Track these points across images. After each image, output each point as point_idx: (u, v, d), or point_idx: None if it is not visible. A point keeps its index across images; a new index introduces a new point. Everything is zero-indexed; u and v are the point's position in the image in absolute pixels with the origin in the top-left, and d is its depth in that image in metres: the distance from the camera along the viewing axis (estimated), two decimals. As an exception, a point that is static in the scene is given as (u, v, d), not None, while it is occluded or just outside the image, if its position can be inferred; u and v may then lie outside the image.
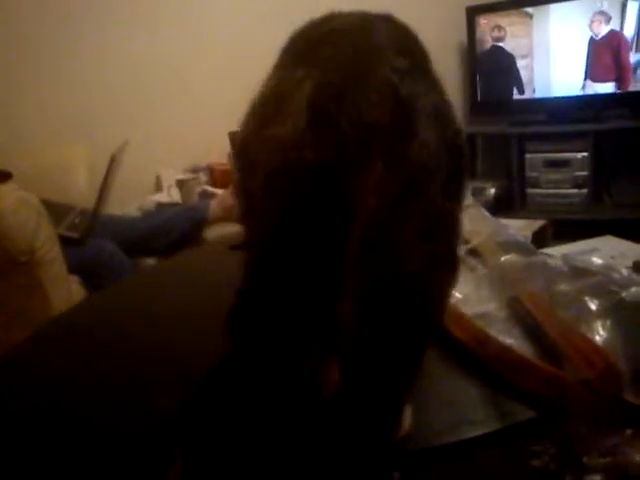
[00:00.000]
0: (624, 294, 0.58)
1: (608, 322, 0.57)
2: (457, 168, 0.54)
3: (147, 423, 0.62)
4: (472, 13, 3.17)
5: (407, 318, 0.49)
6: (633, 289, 0.58)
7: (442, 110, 0.53)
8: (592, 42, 3.02)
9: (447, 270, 0.54)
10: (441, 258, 0.52)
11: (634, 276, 0.60)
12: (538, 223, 2.67)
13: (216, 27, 2.81)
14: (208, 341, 0.78)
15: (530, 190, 3.16)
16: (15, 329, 1.44)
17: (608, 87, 3.06)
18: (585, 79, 3.08)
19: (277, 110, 0.50)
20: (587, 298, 0.59)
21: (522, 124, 3.18)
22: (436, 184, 0.49)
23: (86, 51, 2.63)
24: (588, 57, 3.05)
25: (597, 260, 0.66)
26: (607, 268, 0.63)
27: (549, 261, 0.69)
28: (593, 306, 0.58)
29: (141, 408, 0.65)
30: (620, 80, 3.02)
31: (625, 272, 0.62)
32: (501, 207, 2.93)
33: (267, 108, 0.53)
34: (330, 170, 0.46)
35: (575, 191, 3.06)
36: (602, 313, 0.58)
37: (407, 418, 0.54)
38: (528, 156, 3.15)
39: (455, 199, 0.53)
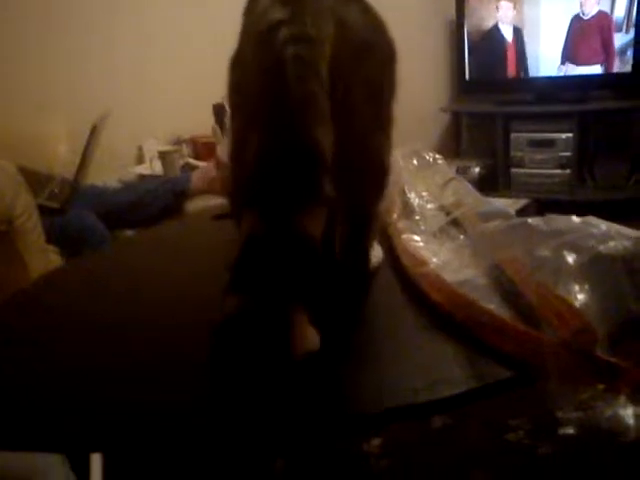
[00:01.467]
0: (601, 247, 0.58)
1: (585, 278, 0.57)
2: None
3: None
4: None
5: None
6: (611, 243, 0.58)
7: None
8: (578, 21, 3.02)
9: (381, 130, 0.73)
10: (379, 119, 0.73)
11: (612, 230, 0.60)
12: (521, 202, 2.69)
13: (202, 1, 2.78)
14: (186, 311, 0.79)
15: (514, 170, 3.17)
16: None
17: (594, 69, 3.06)
18: (563, 61, 3.08)
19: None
20: (566, 253, 0.59)
21: (508, 103, 3.18)
22: (375, 59, 0.70)
23: (70, 20, 2.58)
24: (568, 37, 3.05)
25: (576, 219, 0.65)
26: (586, 224, 0.63)
27: (530, 221, 0.69)
28: (571, 260, 0.58)
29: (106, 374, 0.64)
30: (606, 61, 3.02)
31: (604, 227, 0.62)
32: (485, 186, 2.94)
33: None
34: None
35: (559, 171, 3.08)
36: (579, 268, 0.58)
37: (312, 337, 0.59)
38: (513, 135, 3.15)
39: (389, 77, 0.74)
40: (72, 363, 0.68)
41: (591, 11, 2.99)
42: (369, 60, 0.70)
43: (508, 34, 3.18)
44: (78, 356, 0.69)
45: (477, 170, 3.10)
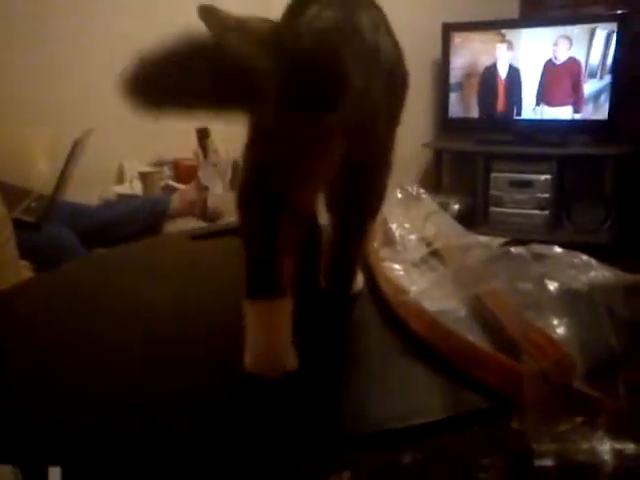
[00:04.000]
0: (582, 277, 0.58)
1: (564, 310, 0.57)
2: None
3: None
4: (447, 30, 3.22)
5: None
6: (592, 273, 0.58)
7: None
8: (551, 65, 3.11)
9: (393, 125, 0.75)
10: (392, 114, 0.73)
11: (593, 261, 0.61)
12: (499, 240, 2.71)
13: (187, 17, 2.79)
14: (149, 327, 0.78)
15: (493, 208, 3.21)
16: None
17: (565, 111, 3.13)
18: (538, 103, 3.16)
19: None
20: (547, 281, 0.59)
21: (489, 143, 3.23)
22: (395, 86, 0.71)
23: (55, 34, 2.58)
24: (542, 80, 3.13)
25: (558, 248, 0.66)
26: (568, 254, 0.63)
27: (512, 250, 0.69)
28: (551, 291, 0.58)
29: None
30: (576, 105, 3.09)
31: (585, 257, 0.62)
32: (464, 223, 2.89)
33: None
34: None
35: (537, 212, 3.12)
36: (559, 300, 0.58)
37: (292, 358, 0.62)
38: (493, 175, 3.19)
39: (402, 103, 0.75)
40: (34, 373, 0.66)
41: (562, 57, 3.08)
42: (391, 88, 0.70)
43: (490, 75, 3.24)
44: (39, 366, 0.68)
45: (456, 207, 3.13)
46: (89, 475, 0.54)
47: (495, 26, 3.18)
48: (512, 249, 0.70)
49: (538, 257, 0.65)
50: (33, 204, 2.07)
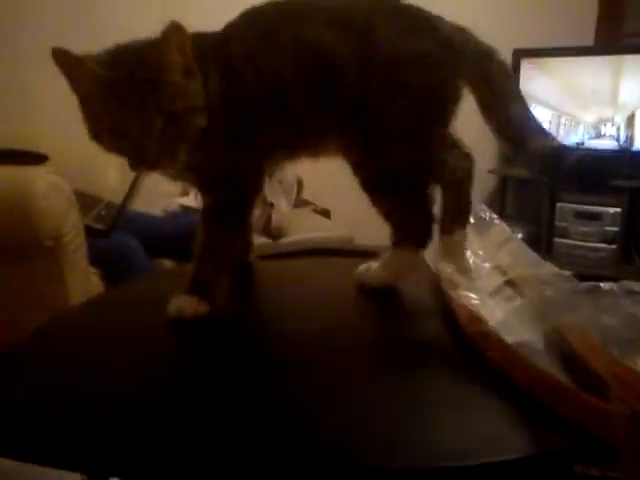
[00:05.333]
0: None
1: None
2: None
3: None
4: (518, 56, 3.17)
5: None
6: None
7: None
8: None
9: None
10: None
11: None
12: (565, 273, 2.63)
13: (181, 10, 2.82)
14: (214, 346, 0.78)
15: (558, 240, 3.12)
16: (34, 315, 1.42)
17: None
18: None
19: None
20: (633, 322, 0.56)
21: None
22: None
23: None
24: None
25: (653, 285, 0.63)
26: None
27: (602, 285, 0.66)
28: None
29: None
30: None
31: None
32: (527, 253, 2.87)
33: None
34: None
35: (604, 246, 3.02)
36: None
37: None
38: (559, 205, 3.12)
39: None
40: (113, 389, 0.67)
41: None
42: None
43: (563, 105, 3.17)
44: (119, 383, 0.68)
45: (519, 236, 3.05)
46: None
47: (568, 53, 3.12)
48: (602, 284, 0.67)
49: (631, 294, 0.62)
50: (103, 212, 2.12)
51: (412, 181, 0.92)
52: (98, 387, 0.66)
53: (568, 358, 0.66)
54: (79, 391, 0.65)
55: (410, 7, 0.89)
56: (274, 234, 2.27)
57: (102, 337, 0.81)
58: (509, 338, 0.70)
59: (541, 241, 3.16)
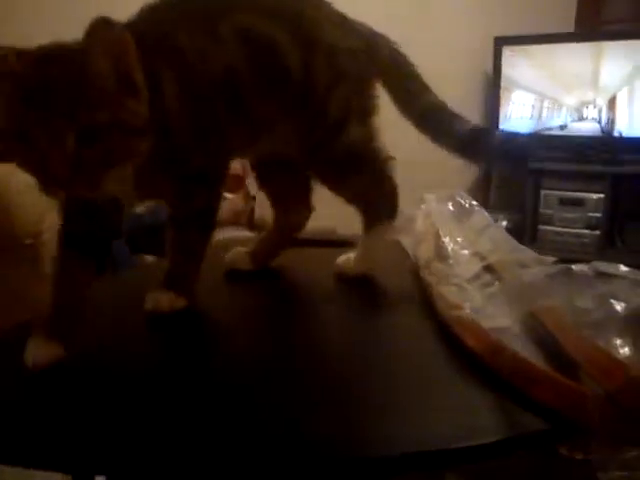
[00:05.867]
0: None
1: (630, 330, 0.54)
2: None
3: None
4: (500, 43, 3.17)
5: None
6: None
7: None
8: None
9: None
10: None
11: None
12: (548, 259, 2.65)
13: None
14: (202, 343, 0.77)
15: (542, 227, 3.14)
16: (15, 312, 1.41)
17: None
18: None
19: None
20: (613, 301, 0.56)
21: (539, 160, 3.16)
22: None
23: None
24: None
25: (623, 267, 0.63)
26: (635, 273, 0.61)
27: (574, 268, 0.67)
28: (615, 311, 0.56)
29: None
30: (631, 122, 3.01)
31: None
32: (511, 240, 2.88)
33: None
34: None
35: (587, 232, 3.04)
36: (624, 319, 0.55)
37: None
38: (543, 192, 3.13)
39: None
40: (96, 387, 0.66)
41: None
42: None
43: (545, 89, 3.18)
44: (102, 381, 0.67)
45: (504, 224, 3.04)
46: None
47: (549, 40, 3.12)
48: (574, 266, 0.67)
49: (602, 276, 0.62)
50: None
51: (366, 156, 0.93)
52: (80, 386, 0.65)
53: (544, 341, 0.67)
54: (58, 390, 0.64)
55: (326, 3, 0.91)
56: (257, 227, 2.27)
57: (85, 333, 0.79)
58: (486, 323, 0.70)
59: (526, 229, 3.17)
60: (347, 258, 0.98)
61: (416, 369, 0.68)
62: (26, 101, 0.61)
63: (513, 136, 1.00)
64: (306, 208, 1.04)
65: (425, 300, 0.82)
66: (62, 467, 0.56)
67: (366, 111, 0.92)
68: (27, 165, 0.63)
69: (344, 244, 1.04)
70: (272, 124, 0.87)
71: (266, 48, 0.82)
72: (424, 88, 0.96)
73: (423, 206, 1.11)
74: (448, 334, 0.72)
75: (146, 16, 0.79)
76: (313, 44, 0.85)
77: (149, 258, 2.18)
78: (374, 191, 0.95)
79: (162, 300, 0.82)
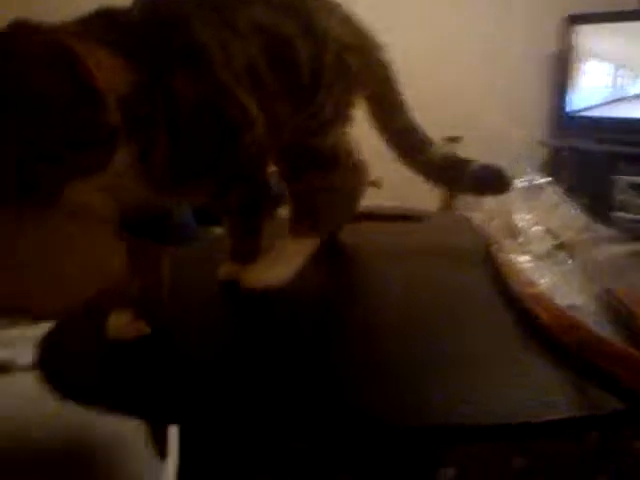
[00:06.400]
0: None
1: None
2: None
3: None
4: (570, 22, 3.06)
5: None
6: None
7: None
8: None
9: None
10: None
11: None
12: (623, 238, 2.55)
13: None
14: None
15: (616, 213, 3.02)
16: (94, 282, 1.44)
17: None
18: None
19: None
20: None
21: (612, 142, 3.05)
22: None
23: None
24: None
25: None
26: None
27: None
28: None
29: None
30: None
31: None
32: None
33: None
34: None
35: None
36: None
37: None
38: (617, 177, 3.01)
39: None
40: (165, 347, 0.68)
41: None
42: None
43: (617, 69, 3.06)
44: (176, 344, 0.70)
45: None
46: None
47: (620, 18, 2.99)
48: (656, 244, 0.65)
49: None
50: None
51: (334, 157, 0.87)
52: (156, 350, 0.67)
53: (620, 321, 0.65)
54: (138, 352, 0.67)
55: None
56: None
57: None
58: (560, 301, 0.69)
59: (598, 215, 3.06)
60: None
61: (487, 344, 0.67)
62: None
63: (487, 165, 0.93)
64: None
65: (496, 276, 0.81)
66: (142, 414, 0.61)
67: (347, 114, 0.87)
68: None
69: (411, 218, 1.03)
70: (284, 123, 0.79)
71: (281, 44, 0.76)
72: (401, 106, 0.94)
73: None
74: (520, 310, 0.70)
75: (147, 4, 0.69)
76: (323, 40, 0.79)
77: (217, 230, 2.20)
78: (324, 196, 0.86)
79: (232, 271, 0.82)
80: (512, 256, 0.83)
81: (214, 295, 0.83)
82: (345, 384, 0.59)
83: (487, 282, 0.81)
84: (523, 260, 0.82)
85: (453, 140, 2.50)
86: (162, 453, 1.25)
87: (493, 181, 0.94)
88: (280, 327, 0.73)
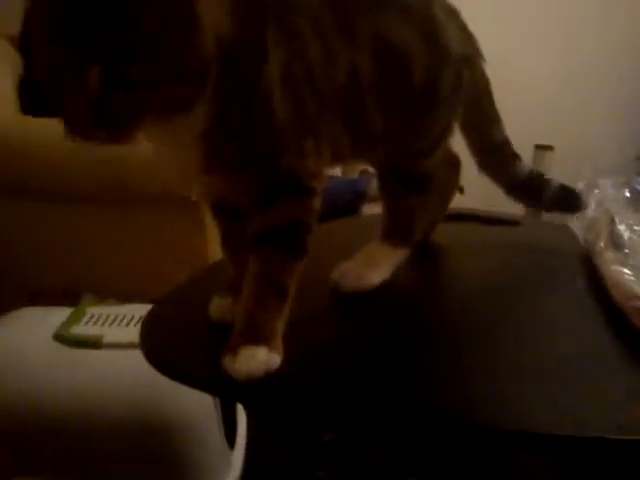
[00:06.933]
0: None
1: None
2: None
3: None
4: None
5: None
6: None
7: None
8: None
9: None
10: None
11: None
12: None
13: None
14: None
15: None
16: (174, 268, 1.47)
17: None
18: None
19: None
20: None
21: None
22: None
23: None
24: None
25: None
26: None
27: None
28: None
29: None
30: None
31: None
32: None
33: None
34: None
35: None
36: None
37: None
38: None
39: None
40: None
41: None
42: None
43: None
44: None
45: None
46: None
47: None
48: None
49: None
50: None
51: (432, 181, 0.83)
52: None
53: None
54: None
55: (446, 2, 0.80)
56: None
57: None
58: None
59: None
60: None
61: (589, 356, 0.63)
62: (51, 27, 0.49)
63: (567, 187, 0.95)
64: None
65: (598, 287, 0.77)
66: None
67: (453, 130, 0.84)
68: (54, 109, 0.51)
69: (508, 222, 0.99)
70: (383, 139, 0.74)
71: (398, 61, 0.70)
72: (498, 120, 0.91)
73: (596, 191, 1.04)
74: (624, 324, 0.67)
75: None
76: (444, 54, 0.75)
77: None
78: (420, 213, 0.83)
79: (254, 362, 0.57)
80: (616, 267, 0.78)
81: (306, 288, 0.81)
82: (428, 380, 0.58)
83: (588, 293, 0.78)
84: (627, 272, 0.77)
85: (544, 148, 2.42)
86: (231, 443, 1.27)
87: (570, 202, 0.96)
88: (370, 324, 0.71)
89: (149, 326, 0.71)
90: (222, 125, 0.56)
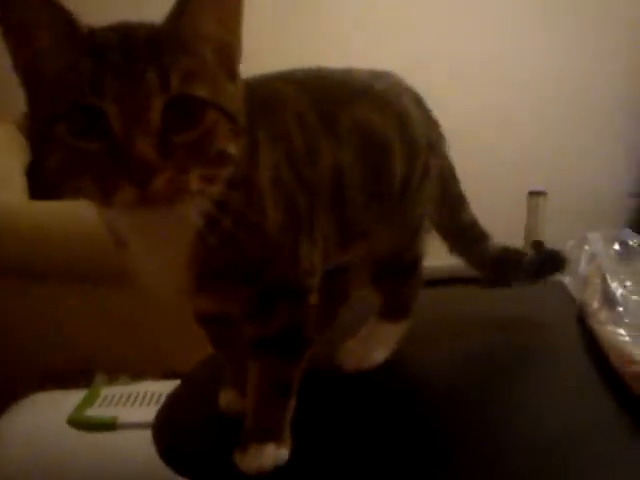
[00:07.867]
0: None
1: None
2: None
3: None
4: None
5: None
6: None
7: None
8: None
9: None
10: None
11: None
12: None
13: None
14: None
15: None
16: (189, 344, 1.47)
17: None
18: None
19: None
20: None
21: None
22: None
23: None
24: None
25: None
26: None
27: None
28: None
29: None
30: None
31: None
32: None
33: None
34: None
35: None
36: None
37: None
38: None
39: None
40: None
41: None
42: None
43: None
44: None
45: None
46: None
47: None
48: None
49: None
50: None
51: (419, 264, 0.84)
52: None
53: None
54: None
55: (412, 90, 0.80)
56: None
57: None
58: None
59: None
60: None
61: (585, 424, 0.66)
62: (101, 55, 0.45)
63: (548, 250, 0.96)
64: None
65: (594, 350, 0.79)
66: None
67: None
68: (87, 154, 0.46)
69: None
70: (368, 233, 0.75)
71: (379, 151, 0.72)
72: (464, 202, 0.91)
73: (587, 247, 1.06)
74: (621, 388, 0.69)
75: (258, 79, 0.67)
76: (414, 147, 0.75)
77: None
78: (415, 288, 0.84)
79: (263, 458, 0.60)
80: (610, 328, 0.80)
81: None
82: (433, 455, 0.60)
83: (582, 356, 0.80)
84: (622, 333, 0.79)
85: (537, 194, 2.46)
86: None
87: (553, 263, 0.96)
88: (374, 408, 0.72)
89: (161, 425, 0.73)
90: (213, 233, 0.53)
